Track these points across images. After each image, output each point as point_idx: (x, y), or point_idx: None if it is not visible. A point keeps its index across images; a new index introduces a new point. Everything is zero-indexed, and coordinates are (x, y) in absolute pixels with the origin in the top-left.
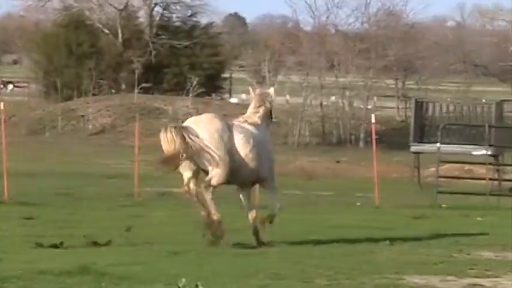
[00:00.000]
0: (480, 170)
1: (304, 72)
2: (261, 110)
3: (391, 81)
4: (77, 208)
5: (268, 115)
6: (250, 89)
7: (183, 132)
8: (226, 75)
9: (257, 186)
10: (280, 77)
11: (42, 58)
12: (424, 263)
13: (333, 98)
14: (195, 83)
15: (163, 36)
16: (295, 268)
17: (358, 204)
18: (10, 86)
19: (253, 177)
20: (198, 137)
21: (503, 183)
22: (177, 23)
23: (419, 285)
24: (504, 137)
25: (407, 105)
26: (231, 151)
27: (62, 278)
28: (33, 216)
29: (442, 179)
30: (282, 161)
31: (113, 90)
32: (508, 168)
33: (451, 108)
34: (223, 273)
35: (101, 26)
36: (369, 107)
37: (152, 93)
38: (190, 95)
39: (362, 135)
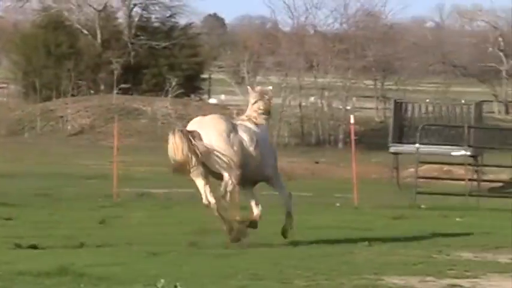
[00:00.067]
0: (459, 171)
1: (283, 73)
2: (262, 107)
3: (370, 82)
4: (56, 209)
5: (268, 112)
6: (249, 88)
7: (189, 136)
8: (205, 76)
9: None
10: (259, 78)
11: (21, 59)
12: (403, 264)
13: (311, 99)
14: (174, 83)
15: (142, 37)
16: (274, 269)
17: (338, 204)
18: None
19: (258, 176)
20: (205, 140)
21: (482, 183)
22: (156, 24)
23: (398, 286)
24: (483, 137)
25: (387, 106)
26: (238, 151)
27: (40, 279)
28: (12, 217)
29: (421, 180)
30: None
31: (92, 91)
32: (487, 168)
33: (430, 108)
34: (202, 273)
35: (79, 27)
36: (348, 107)
37: (131, 94)
38: (169, 95)
39: (341, 136)
